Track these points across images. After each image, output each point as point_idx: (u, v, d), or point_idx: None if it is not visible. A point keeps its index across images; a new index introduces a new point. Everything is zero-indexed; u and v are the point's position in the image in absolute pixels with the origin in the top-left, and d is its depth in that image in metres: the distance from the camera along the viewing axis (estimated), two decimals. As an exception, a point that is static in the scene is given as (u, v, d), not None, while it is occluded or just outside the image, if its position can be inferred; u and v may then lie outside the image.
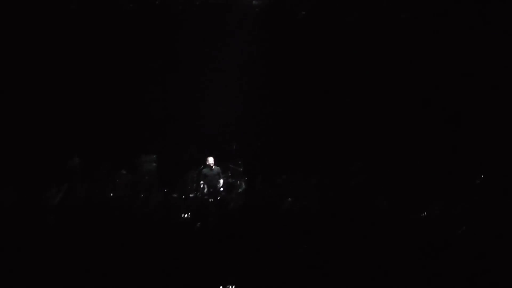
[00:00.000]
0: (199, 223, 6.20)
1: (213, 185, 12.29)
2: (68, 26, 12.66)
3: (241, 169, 12.81)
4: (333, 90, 13.62)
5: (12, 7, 12.28)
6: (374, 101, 13.37)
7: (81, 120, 13.01)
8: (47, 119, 12.81)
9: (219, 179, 12.43)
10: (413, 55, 13.06)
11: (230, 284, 4.78)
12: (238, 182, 12.66)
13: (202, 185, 12.30)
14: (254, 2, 12.79)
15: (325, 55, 13.47)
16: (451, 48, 12.82)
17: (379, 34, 13.11)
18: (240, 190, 12.44)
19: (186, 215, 7.97)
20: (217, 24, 13.21)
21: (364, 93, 13.40)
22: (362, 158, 12.55)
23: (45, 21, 12.53)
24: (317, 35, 13.35)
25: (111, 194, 11.00)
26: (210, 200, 11.12)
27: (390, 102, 13.31)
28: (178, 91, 13.62)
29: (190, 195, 11.98)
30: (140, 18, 12.98)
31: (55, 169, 11.73)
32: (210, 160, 12.48)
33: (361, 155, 12.68)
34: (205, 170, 12.47)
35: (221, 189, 12.21)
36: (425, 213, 6.65)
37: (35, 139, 12.53)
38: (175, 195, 9.69)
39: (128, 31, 13.11)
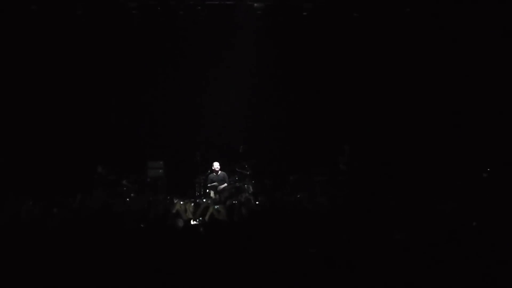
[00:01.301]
0: (202, 228, 6.17)
1: (220, 190, 12.33)
2: (75, 33, 12.84)
3: (248, 172, 12.81)
4: (338, 91, 13.67)
5: (19, 14, 12.42)
6: (381, 101, 13.42)
7: (89, 127, 13.16)
8: (55, 129, 12.95)
9: (225, 183, 12.47)
10: (421, 51, 13.09)
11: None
12: (246, 185, 12.66)
13: (208, 190, 12.34)
14: (255, 5, 12.80)
15: (329, 56, 13.52)
16: (459, 45, 12.84)
17: (382, 32, 13.14)
18: (248, 193, 12.43)
19: (194, 221, 8.03)
20: (219, 28, 13.28)
21: (370, 93, 13.45)
22: (369, 157, 12.62)
23: (53, 29, 12.71)
24: (320, 36, 13.41)
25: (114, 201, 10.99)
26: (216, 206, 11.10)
27: (397, 101, 13.35)
28: (183, 96, 13.71)
29: (197, 201, 12.00)
30: (143, 24, 13.07)
31: (74, 178, 11.90)
32: (216, 165, 12.56)
33: (368, 154, 12.73)
34: (211, 176, 12.48)
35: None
36: (436, 211, 6.67)
37: (48, 150, 12.70)
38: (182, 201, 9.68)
39: (132, 38, 13.24)
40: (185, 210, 6.82)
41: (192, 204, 7.03)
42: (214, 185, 12.51)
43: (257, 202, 10.14)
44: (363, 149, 12.73)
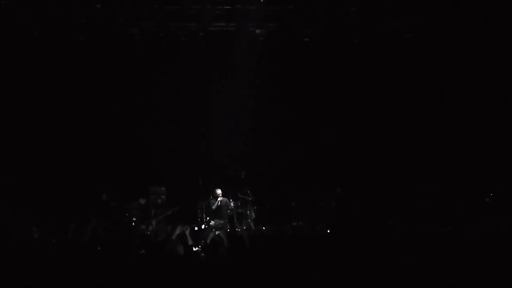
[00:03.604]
0: (203, 254, 6.15)
1: (222, 216, 12.34)
2: (78, 59, 13.04)
3: (250, 198, 12.80)
4: (339, 116, 13.81)
5: (23, 40, 12.65)
6: (382, 125, 13.57)
7: (91, 152, 13.24)
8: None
9: (227, 210, 12.49)
10: (422, 77, 13.27)
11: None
12: (248, 211, 12.66)
13: (208, 219, 12.34)
14: (257, 31, 12.98)
15: (330, 81, 13.67)
16: (460, 71, 13.02)
17: (383, 57, 13.35)
18: (250, 219, 12.45)
19: (196, 248, 8.02)
20: (221, 54, 13.45)
21: (371, 117, 13.62)
22: (371, 181, 12.68)
23: (55, 55, 12.94)
24: (321, 62, 13.59)
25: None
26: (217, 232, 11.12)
27: (398, 126, 13.47)
28: (184, 122, 13.81)
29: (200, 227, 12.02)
30: (145, 50, 13.28)
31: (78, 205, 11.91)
32: (218, 192, 12.58)
33: (370, 179, 12.80)
34: (213, 201, 12.53)
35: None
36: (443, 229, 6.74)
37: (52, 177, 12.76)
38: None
39: (134, 63, 13.42)
40: (184, 235, 6.81)
41: (188, 230, 7.01)
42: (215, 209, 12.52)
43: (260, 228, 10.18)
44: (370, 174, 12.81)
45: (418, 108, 13.37)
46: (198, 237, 8.31)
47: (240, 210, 12.62)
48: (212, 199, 12.61)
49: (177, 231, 6.86)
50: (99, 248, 6.12)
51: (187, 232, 6.75)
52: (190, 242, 6.69)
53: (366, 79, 13.46)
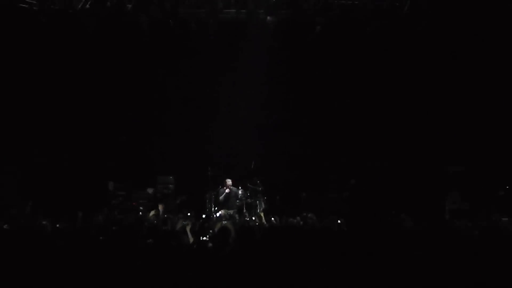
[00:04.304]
0: (210, 244, 6.11)
1: (230, 206, 12.28)
2: (86, 48, 12.98)
3: (260, 188, 12.72)
4: (351, 105, 13.71)
5: (30, 26, 12.55)
6: (394, 114, 13.43)
7: (99, 142, 13.25)
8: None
9: (236, 200, 12.42)
10: (436, 69, 13.12)
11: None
12: (258, 202, 12.58)
13: (217, 209, 12.30)
14: (268, 18, 12.82)
15: (342, 70, 13.54)
16: (472, 66, 12.82)
17: (395, 47, 13.13)
18: (259, 210, 12.36)
19: (204, 238, 7.97)
20: (231, 42, 13.36)
21: (383, 106, 13.50)
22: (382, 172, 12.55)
23: (64, 45, 12.87)
24: (333, 50, 13.43)
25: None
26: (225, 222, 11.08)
27: (411, 115, 13.30)
28: (194, 111, 13.78)
29: (210, 217, 11.95)
30: (154, 38, 13.16)
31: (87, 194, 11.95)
32: (228, 182, 12.50)
33: (380, 169, 12.66)
34: (222, 191, 12.46)
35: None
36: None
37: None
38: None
39: (143, 52, 13.34)
40: (185, 232, 6.75)
41: (189, 226, 6.96)
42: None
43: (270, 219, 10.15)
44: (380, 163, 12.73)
45: (434, 98, 13.17)
46: (205, 227, 8.27)
47: (249, 200, 12.54)
48: (221, 188, 12.54)
49: (179, 226, 6.82)
50: (101, 238, 6.10)
51: (188, 229, 6.69)
52: (190, 239, 6.62)
53: (379, 68, 13.30)
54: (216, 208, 12.38)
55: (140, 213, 11.28)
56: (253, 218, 11.69)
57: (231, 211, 12.11)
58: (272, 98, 13.58)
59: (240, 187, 12.59)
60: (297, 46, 13.46)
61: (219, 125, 13.76)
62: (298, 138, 13.72)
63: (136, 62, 13.36)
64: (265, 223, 10.34)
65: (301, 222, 8.93)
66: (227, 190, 12.42)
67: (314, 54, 13.55)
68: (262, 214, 12.08)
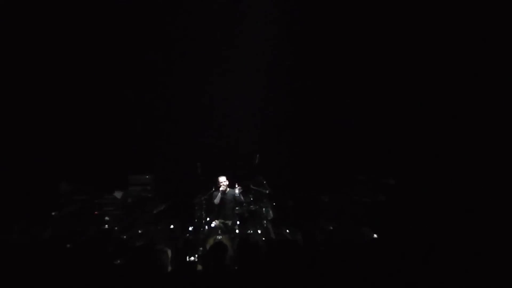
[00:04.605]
0: (200, 266, 6.23)
1: (228, 215, 12.30)
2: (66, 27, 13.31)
3: (267, 191, 12.70)
4: (359, 96, 13.93)
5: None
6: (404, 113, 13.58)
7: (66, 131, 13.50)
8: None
9: (235, 206, 12.43)
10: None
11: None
12: (264, 209, 12.54)
13: (209, 219, 12.36)
14: None
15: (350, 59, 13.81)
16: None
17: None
18: (266, 220, 12.36)
19: (191, 258, 8.00)
20: (226, 20, 13.76)
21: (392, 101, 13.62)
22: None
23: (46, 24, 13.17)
24: (337, 34, 13.70)
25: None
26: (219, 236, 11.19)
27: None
28: (182, 93, 14.05)
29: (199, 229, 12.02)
30: (145, 14, 13.58)
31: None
32: (222, 180, 12.51)
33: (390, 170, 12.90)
34: (215, 194, 12.46)
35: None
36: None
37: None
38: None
39: (131, 31, 13.70)
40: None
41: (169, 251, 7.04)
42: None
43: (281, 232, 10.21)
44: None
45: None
46: (193, 243, 8.31)
47: (252, 207, 12.49)
48: (214, 191, 12.52)
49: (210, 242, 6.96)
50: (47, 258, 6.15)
51: (169, 253, 6.70)
52: (169, 268, 6.64)
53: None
54: (208, 218, 12.30)
55: (106, 225, 11.17)
56: (258, 231, 11.75)
57: (228, 221, 12.08)
58: (277, 73, 13.93)
59: (239, 188, 12.54)
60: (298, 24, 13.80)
61: (213, 107, 14.06)
62: (314, 122, 14.03)
63: (123, 39, 13.65)
64: (273, 237, 10.41)
65: (322, 236, 8.92)
66: (221, 193, 12.42)
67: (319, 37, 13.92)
68: (269, 225, 12.16)
